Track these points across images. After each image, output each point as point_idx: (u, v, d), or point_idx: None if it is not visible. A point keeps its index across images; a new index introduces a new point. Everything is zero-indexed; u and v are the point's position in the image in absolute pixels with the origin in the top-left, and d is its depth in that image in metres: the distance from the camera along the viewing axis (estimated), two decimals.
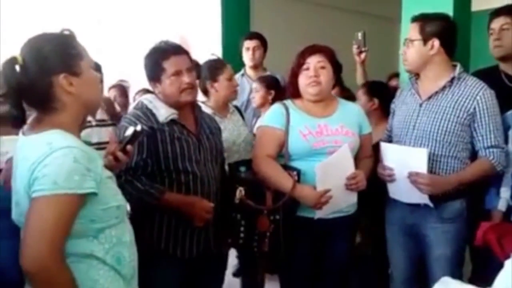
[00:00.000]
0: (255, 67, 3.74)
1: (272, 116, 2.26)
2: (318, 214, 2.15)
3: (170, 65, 1.98)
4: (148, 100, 2.05)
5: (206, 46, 4.24)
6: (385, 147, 2.23)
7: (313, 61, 2.19)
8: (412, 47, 2.19)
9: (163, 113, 1.98)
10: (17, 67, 1.30)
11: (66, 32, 1.41)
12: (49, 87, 1.32)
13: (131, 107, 2.31)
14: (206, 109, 2.66)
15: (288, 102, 2.29)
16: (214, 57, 3.03)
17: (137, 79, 3.59)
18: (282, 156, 2.21)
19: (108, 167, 1.51)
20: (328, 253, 2.30)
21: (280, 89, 3.15)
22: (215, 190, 2.11)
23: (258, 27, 4.21)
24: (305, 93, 2.22)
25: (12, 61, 1.31)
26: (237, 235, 2.14)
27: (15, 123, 1.40)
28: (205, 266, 2.14)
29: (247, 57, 3.75)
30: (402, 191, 2.19)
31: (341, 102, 2.35)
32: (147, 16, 4.41)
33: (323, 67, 2.19)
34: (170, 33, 3.68)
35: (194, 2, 4.45)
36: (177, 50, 2.03)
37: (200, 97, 2.30)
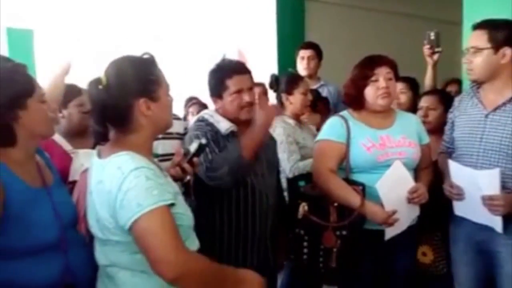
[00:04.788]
0: (310, 76, 3.72)
1: (331, 129, 2.22)
2: (388, 235, 2.11)
3: (233, 83, 2.06)
4: (209, 114, 2.14)
5: (262, 58, 4.29)
6: (454, 166, 2.12)
7: (383, 72, 2.16)
8: (479, 56, 2.09)
9: (224, 125, 2.06)
10: (101, 87, 1.40)
11: (146, 56, 1.49)
12: (129, 109, 1.40)
13: (192, 121, 2.40)
14: (288, 120, 2.85)
15: (345, 114, 2.26)
16: (291, 71, 3.20)
17: (197, 93, 3.72)
18: (341, 169, 2.19)
19: (174, 177, 1.63)
20: (391, 265, 2.25)
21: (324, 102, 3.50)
22: (274, 203, 2.12)
23: (312, 38, 4.21)
24: (374, 104, 2.19)
25: (97, 81, 1.41)
26: (300, 250, 2.12)
27: (98, 138, 1.51)
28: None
29: (301, 67, 3.77)
30: (471, 210, 2.10)
31: (399, 113, 2.32)
32: (204, 31, 4.53)
33: (390, 79, 2.18)
34: (228, 47, 3.75)
35: (250, 15, 4.53)
36: (240, 69, 2.11)
37: None
